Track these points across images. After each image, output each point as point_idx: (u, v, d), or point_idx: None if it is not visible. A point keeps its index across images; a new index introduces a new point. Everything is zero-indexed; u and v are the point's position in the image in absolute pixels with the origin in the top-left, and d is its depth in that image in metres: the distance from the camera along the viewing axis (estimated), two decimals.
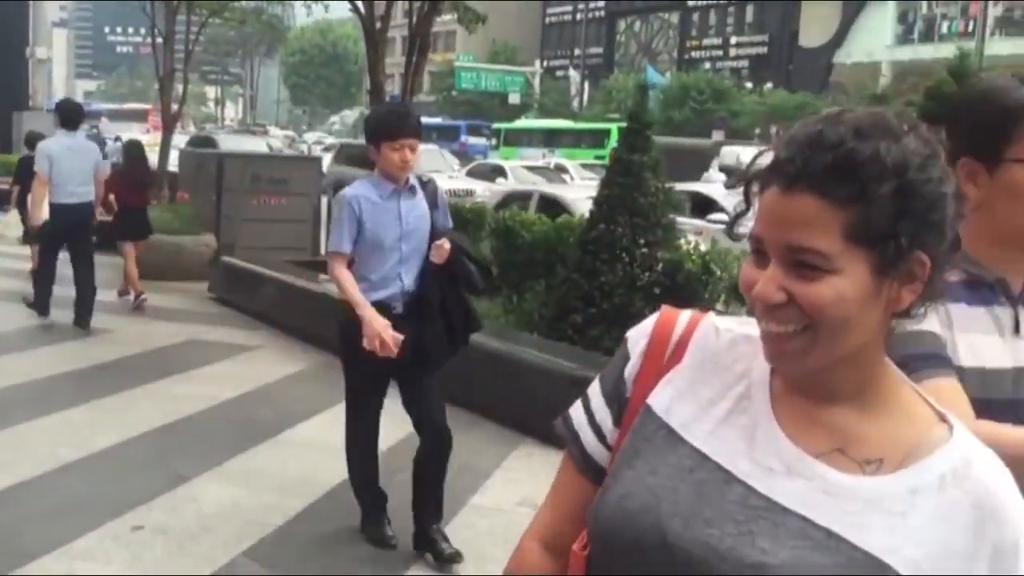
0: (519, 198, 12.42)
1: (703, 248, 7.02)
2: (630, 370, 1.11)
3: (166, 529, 4.13)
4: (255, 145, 24.71)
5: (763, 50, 49.12)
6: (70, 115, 8.23)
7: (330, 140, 41.37)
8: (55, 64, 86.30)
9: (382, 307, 3.80)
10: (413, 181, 3.95)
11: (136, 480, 4.69)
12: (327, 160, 22.24)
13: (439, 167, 20.86)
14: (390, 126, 3.82)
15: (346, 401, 4.08)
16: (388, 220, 3.85)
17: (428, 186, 4.04)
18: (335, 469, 4.92)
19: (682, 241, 7.05)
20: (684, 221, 10.23)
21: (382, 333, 3.70)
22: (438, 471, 3.93)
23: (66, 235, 7.98)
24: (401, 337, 3.74)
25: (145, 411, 5.82)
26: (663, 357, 1.09)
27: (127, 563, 3.81)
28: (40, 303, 8.23)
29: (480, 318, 4.13)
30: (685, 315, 1.12)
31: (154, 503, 4.39)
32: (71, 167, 7.84)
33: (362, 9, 9.37)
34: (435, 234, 3.93)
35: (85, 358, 7.08)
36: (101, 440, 5.22)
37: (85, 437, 5.25)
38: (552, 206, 10.92)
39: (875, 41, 42.18)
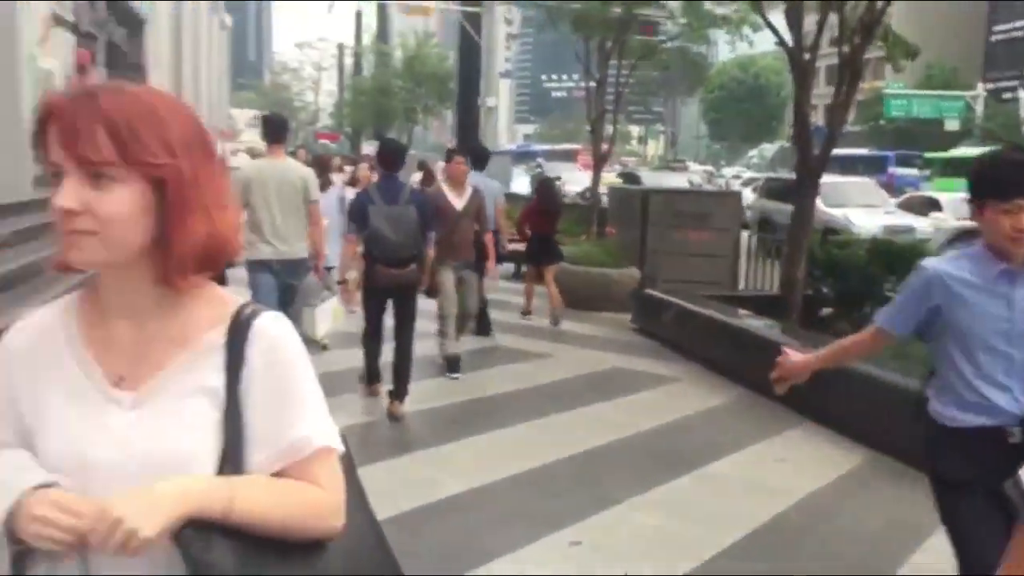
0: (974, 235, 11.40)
1: None
2: None
3: (601, 547, 4.41)
4: (676, 181, 25.46)
5: None
6: (480, 156, 9.37)
7: (748, 174, 41.11)
8: (500, 111, 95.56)
9: (991, 434, 2.73)
10: None
11: (572, 497, 5.07)
12: (748, 194, 22.18)
13: (874, 201, 19.38)
14: (1002, 179, 2.68)
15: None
16: (991, 312, 2.74)
17: None
18: (757, 509, 4.95)
19: None
20: None
21: None
22: None
23: None
24: None
25: (578, 433, 6.27)
26: None
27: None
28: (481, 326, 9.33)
29: None
30: None
31: (588, 521, 4.71)
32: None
33: (789, 41, 9.30)
34: None
35: (529, 379, 7.79)
36: (543, 456, 5.72)
37: (531, 452, 5.78)
38: None
39: None
